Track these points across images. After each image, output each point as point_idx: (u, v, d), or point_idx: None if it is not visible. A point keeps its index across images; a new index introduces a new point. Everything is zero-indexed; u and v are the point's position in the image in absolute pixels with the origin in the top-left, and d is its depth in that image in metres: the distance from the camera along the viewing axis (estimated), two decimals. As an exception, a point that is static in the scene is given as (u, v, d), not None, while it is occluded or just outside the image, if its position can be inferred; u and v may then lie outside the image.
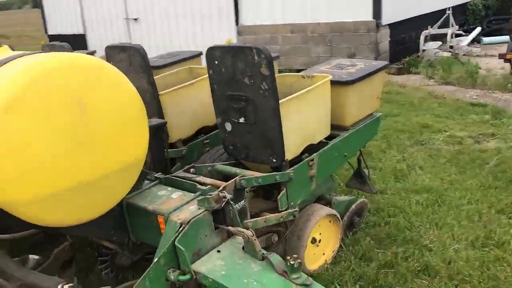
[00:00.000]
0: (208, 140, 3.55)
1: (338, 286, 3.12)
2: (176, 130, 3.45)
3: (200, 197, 2.30)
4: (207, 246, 2.28)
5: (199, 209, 2.28)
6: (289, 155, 2.88)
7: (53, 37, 14.59)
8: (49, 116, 1.89)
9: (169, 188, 2.56)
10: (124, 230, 2.51)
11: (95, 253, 3.25)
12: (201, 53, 4.26)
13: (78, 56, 2.09)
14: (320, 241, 3.31)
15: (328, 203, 3.47)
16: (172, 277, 2.12)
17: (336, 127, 3.38)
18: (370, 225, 3.86)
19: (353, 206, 3.68)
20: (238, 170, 2.87)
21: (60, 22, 14.24)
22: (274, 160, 2.80)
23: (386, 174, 4.85)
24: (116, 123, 2.08)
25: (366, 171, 3.94)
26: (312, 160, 3.03)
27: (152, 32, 12.25)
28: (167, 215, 2.27)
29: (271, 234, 3.00)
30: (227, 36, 11.06)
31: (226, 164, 3.04)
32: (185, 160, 3.46)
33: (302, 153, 3.04)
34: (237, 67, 2.71)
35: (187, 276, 2.13)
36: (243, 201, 2.60)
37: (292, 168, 2.88)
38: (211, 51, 2.81)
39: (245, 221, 2.61)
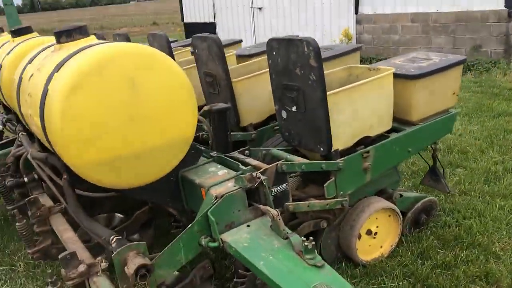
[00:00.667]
0: (278, 127, 3.73)
1: (385, 279, 3.14)
2: (247, 115, 3.71)
3: (237, 176, 2.53)
4: (240, 220, 2.50)
5: (234, 186, 2.51)
6: (340, 145, 2.96)
7: (188, 25, 15.84)
8: (108, 94, 2.27)
9: (219, 166, 2.83)
10: (179, 199, 2.85)
11: (172, 218, 3.69)
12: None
13: (134, 45, 2.44)
14: (376, 233, 3.34)
15: (389, 197, 3.45)
16: (203, 243, 2.40)
17: (403, 122, 3.36)
18: (440, 225, 3.74)
19: (419, 204, 3.60)
20: (289, 156, 3.03)
21: (194, 12, 15.36)
22: (322, 149, 2.91)
23: (476, 175, 4.58)
24: (164, 103, 2.40)
25: (441, 169, 3.80)
26: (368, 152, 3.06)
27: (274, 21, 12.64)
28: (208, 188, 2.54)
29: (320, 220, 3.12)
30: (345, 25, 11.00)
31: (282, 150, 3.21)
32: (255, 144, 3.72)
33: (358, 144, 3.09)
34: (290, 58, 2.87)
35: (216, 244, 2.39)
36: (285, 184, 2.77)
37: (342, 158, 2.96)
38: (270, 42, 2.99)
39: (286, 203, 2.78)
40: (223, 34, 14.38)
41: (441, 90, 3.34)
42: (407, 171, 4.81)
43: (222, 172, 2.74)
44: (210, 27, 14.74)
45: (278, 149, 3.21)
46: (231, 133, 3.66)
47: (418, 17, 9.83)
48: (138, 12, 51.34)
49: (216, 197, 2.45)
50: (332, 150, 2.93)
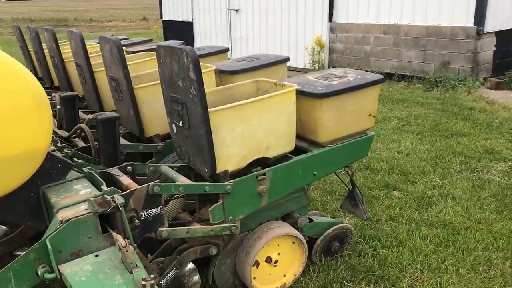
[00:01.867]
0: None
1: (280, 313, 2.88)
2: (152, 124, 3.44)
3: (88, 199, 2.26)
4: (90, 249, 2.23)
5: (86, 209, 2.24)
6: (230, 165, 2.70)
7: (166, 23, 15.54)
8: None
9: (87, 184, 2.56)
10: (42, 219, 2.57)
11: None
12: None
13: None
14: (277, 261, 3.08)
15: (295, 223, 3.20)
16: (39, 273, 2.12)
17: (312, 143, 3.10)
18: (355, 253, 3.49)
19: (330, 231, 3.35)
20: (174, 175, 2.76)
21: (173, 9, 15.07)
22: (206, 169, 2.65)
23: (409, 200, 4.34)
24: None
25: (360, 194, 3.55)
26: (264, 175, 2.81)
27: (250, 23, 12.39)
28: (57, 210, 2.27)
29: (209, 245, 2.85)
30: (319, 32, 10.76)
31: (177, 166, 2.95)
32: (162, 156, 3.45)
33: (253, 166, 2.83)
34: (173, 68, 2.60)
35: (53, 275, 2.11)
36: (158, 207, 2.50)
37: (231, 181, 2.69)
38: (158, 49, 2.73)
39: (159, 229, 2.51)
40: (200, 34, 14.11)
41: (354, 110, 3.09)
42: (339, 190, 4.55)
43: (85, 191, 2.47)
44: (187, 27, 14.46)
45: (169, 166, 2.94)
46: (134, 144, 3.40)
47: (390, 29, 9.61)
48: (135, 5, 50.90)
49: (61, 222, 2.17)
50: (219, 171, 2.67)
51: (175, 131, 2.86)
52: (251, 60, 3.91)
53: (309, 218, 3.34)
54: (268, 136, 2.79)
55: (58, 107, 3.56)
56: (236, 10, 12.71)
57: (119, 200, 2.25)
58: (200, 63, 3.82)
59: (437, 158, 5.35)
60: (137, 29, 27.31)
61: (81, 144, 3.33)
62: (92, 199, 2.19)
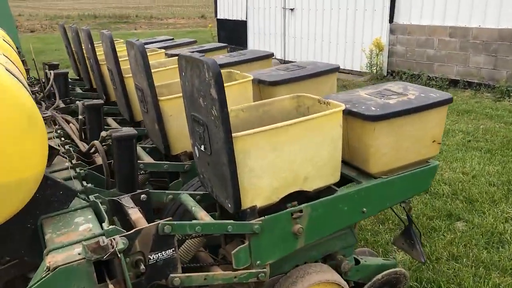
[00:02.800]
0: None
1: None
2: (179, 141, 3.05)
3: (85, 242, 1.88)
4: (84, 301, 1.85)
5: (79, 254, 1.86)
6: (259, 200, 2.25)
7: (221, 21, 15.30)
8: None
9: (90, 216, 2.18)
10: (39, 252, 2.22)
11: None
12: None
13: None
14: (315, 311, 2.60)
15: (338, 266, 2.70)
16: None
17: (362, 172, 2.60)
18: (408, 302, 2.94)
19: (380, 276, 2.82)
20: (194, 208, 2.35)
21: (228, 8, 14.79)
22: (229, 205, 2.21)
23: (476, 235, 3.71)
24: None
25: (418, 232, 3.00)
26: (301, 211, 2.34)
27: (305, 22, 11.86)
28: (47, 252, 1.90)
29: (233, 291, 2.42)
30: (378, 34, 10.08)
31: (200, 195, 2.54)
32: (189, 177, 3.06)
33: (287, 200, 2.36)
34: (194, 83, 2.18)
35: (34, 334, 1.75)
36: (170, 250, 2.09)
37: (260, 218, 2.24)
38: (179, 60, 2.32)
39: (171, 275, 2.10)
40: (253, 33, 13.74)
41: (414, 136, 2.55)
42: (393, 218, 3.99)
43: (86, 227, 2.09)
44: (241, 26, 14.13)
45: (190, 194, 2.53)
46: (158, 162, 3.02)
47: (457, 31, 8.79)
48: (196, 3, 51.45)
49: (48, 269, 1.80)
50: (246, 207, 2.22)
51: (197, 155, 2.44)
52: (295, 68, 3.43)
53: (355, 258, 2.83)
54: (307, 165, 2.32)
55: (80, 117, 3.25)
56: (291, 9, 12.22)
57: (119, 244, 1.86)
58: (237, 72, 3.43)
59: (509, 183, 4.64)
60: (194, 27, 27.39)
61: (100, 160, 2.99)
62: (85, 243, 1.80)
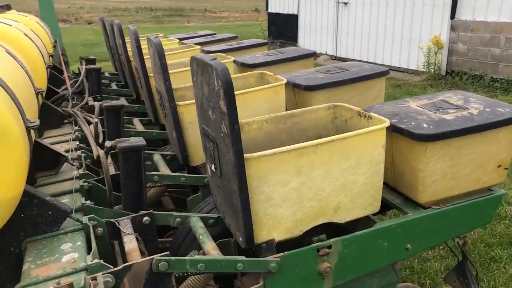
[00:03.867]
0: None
1: None
2: (199, 151, 2.70)
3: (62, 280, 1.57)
4: None
5: (53, 294, 1.55)
6: (278, 233, 1.87)
7: (272, 15, 14.91)
8: None
9: (79, 242, 1.88)
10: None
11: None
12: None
13: None
14: None
15: (375, 308, 2.28)
16: None
17: (408, 199, 2.16)
18: None
19: (426, 322, 2.37)
20: (202, 236, 2.00)
21: (279, 1, 14.37)
22: (241, 239, 1.84)
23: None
24: None
25: (474, 271, 2.52)
26: (329, 247, 1.93)
27: (359, 17, 11.25)
28: (16, 290, 1.62)
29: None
30: (437, 30, 9.35)
31: (210, 219, 2.18)
32: (209, 191, 2.71)
33: (314, 232, 1.97)
34: (204, 91, 1.82)
35: None
36: (167, 289, 1.75)
37: (277, 255, 1.86)
38: (191, 62, 1.96)
39: (168, 320, 1.77)
40: (304, 28, 13.26)
41: (475, 160, 2.08)
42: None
43: (70, 257, 1.78)
44: (292, 20, 13.68)
45: (202, 217, 2.18)
46: (175, 174, 2.70)
47: (528, 28, 7.97)
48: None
49: (15, 311, 1.51)
50: (261, 241, 1.85)
51: (209, 174, 2.09)
52: (337, 71, 3.00)
53: (396, 299, 2.39)
54: (339, 193, 1.91)
55: (96, 119, 2.98)
56: (345, 3, 11.63)
57: (100, 285, 1.53)
58: (270, 73, 3.04)
59: None
60: (246, 20, 27.16)
61: (112, 170, 2.71)
62: (56, 285, 1.49)
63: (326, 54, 12.37)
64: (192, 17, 31.33)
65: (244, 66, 3.65)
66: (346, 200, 1.94)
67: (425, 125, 1.99)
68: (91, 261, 1.66)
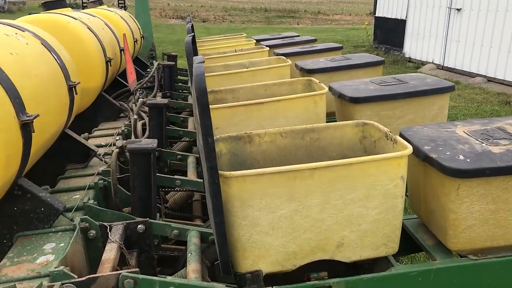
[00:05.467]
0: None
1: None
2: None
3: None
4: None
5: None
6: (266, 264, 1.64)
7: (378, 19, 14.28)
8: None
9: (62, 244, 1.79)
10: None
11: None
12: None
13: None
14: None
15: None
16: None
17: (441, 245, 1.80)
18: None
19: None
20: (191, 255, 1.82)
21: (388, 5, 13.69)
22: (221, 268, 1.63)
23: None
24: None
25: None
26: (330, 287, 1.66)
27: (473, 25, 10.28)
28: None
29: None
30: None
31: (210, 234, 2.00)
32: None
33: (313, 268, 1.70)
34: (193, 95, 1.64)
35: None
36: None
37: (265, 288, 1.64)
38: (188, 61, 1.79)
39: None
40: (412, 34, 12.47)
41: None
42: None
43: (44, 259, 1.71)
44: (399, 25, 12.95)
45: (203, 231, 2.01)
46: (201, 180, 2.56)
47: None
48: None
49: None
50: (244, 270, 1.63)
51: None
52: (394, 83, 2.65)
53: None
54: (342, 227, 1.62)
55: (135, 116, 2.95)
56: (458, 10, 10.69)
57: (50, 296, 1.44)
58: (316, 81, 2.77)
59: None
60: (358, 24, 26.43)
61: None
62: (6, 290, 1.42)
63: (432, 63, 11.50)
64: (303, 19, 31.26)
65: (303, 71, 3.42)
66: (352, 236, 1.64)
67: (461, 157, 1.62)
68: (55, 268, 1.57)
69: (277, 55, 4.26)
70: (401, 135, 1.89)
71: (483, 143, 1.72)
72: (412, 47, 12.48)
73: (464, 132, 1.84)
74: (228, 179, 1.51)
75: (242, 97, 2.78)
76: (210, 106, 2.36)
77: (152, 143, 2.13)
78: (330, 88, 2.74)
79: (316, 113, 2.46)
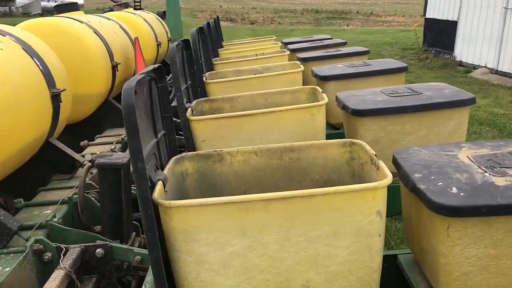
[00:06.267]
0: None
1: None
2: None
3: None
4: None
5: None
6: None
7: (428, 21, 13.63)
8: None
9: (7, 269, 1.64)
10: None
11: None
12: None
13: None
14: None
15: None
16: None
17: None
18: None
19: None
20: (146, 285, 1.63)
21: (439, 6, 13.03)
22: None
23: None
24: None
25: None
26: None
27: (530, 26, 9.56)
28: None
29: None
30: None
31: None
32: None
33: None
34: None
35: None
36: None
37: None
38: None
39: None
40: (463, 36, 11.78)
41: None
42: None
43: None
44: (450, 27, 12.27)
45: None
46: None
47: None
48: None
49: None
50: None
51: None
52: (405, 93, 2.35)
53: None
54: (306, 268, 1.37)
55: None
56: (515, 10, 9.97)
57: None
58: (320, 91, 2.51)
59: None
60: (408, 25, 25.50)
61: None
62: None
63: (485, 66, 10.79)
64: (354, 20, 30.57)
65: (318, 78, 3.16)
66: (319, 279, 1.39)
67: (454, 190, 1.33)
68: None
69: (298, 59, 4.02)
70: (394, 158, 1.62)
71: (486, 172, 1.42)
72: (463, 50, 11.79)
73: (468, 157, 1.54)
74: (169, 209, 1.31)
75: (240, 106, 2.58)
76: (192, 117, 2.18)
77: (123, 157, 1.96)
78: (336, 98, 2.48)
79: (313, 127, 2.21)
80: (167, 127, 1.69)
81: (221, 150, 1.72)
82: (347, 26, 25.61)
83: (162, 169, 1.59)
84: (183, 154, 1.71)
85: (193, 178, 1.73)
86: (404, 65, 3.12)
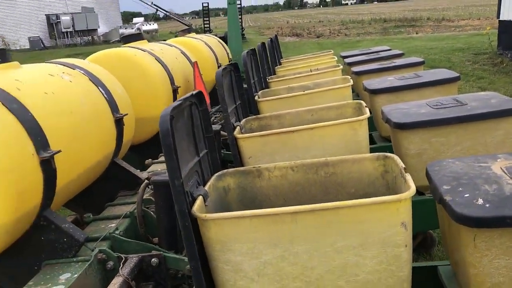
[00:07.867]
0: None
1: None
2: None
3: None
4: None
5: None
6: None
7: (503, 24, 12.96)
8: None
9: (75, 275, 1.85)
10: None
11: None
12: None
13: None
14: None
15: None
16: None
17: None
18: None
19: None
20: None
21: (513, 7, 12.38)
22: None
23: None
24: None
25: None
26: None
27: None
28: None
29: None
30: None
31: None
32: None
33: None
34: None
35: None
36: None
37: None
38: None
39: None
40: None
41: None
42: None
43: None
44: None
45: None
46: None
47: None
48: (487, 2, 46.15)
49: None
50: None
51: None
52: (450, 104, 2.34)
53: None
54: (336, 276, 1.45)
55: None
56: None
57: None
58: (364, 104, 2.56)
59: None
60: (484, 29, 24.32)
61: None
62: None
63: None
64: (425, 27, 29.64)
65: (368, 92, 3.20)
66: (349, 287, 1.46)
67: (480, 201, 1.35)
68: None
69: (352, 73, 4.07)
70: (426, 171, 1.65)
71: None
72: (542, 52, 11.10)
73: (501, 168, 1.54)
74: (206, 222, 1.44)
75: (287, 123, 2.68)
76: (239, 135, 2.32)
77: (175, 175, 2.13)
78: (382, 112, 2.52)
79: (356, 141, 2.27)
80: (209, 146, 1.83)
81: (259, 166, 1.84)
82: (416, 33, 24.91)
83: (205, 184, 1.74)
84: (225, 170, 1.85)
85: (235, 193, 1.86)
86: (456, 74, 3.08)
